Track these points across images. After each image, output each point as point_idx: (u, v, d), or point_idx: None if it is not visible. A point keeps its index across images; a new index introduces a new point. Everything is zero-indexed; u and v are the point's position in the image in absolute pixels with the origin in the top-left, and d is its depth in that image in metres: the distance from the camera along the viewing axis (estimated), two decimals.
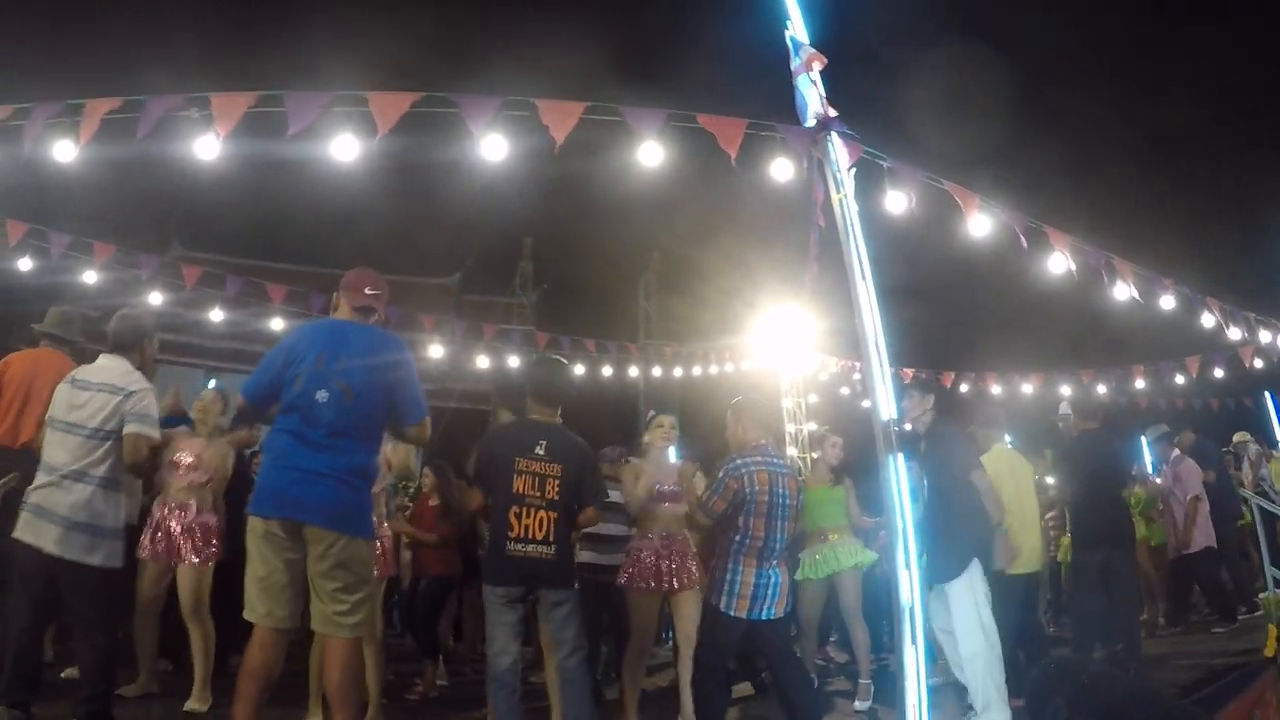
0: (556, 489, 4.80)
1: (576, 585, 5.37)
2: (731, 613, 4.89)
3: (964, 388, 12.57)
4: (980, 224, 5.60)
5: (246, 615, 3.97)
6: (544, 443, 4.86)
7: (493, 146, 4.88)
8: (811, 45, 5.31)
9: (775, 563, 5.01)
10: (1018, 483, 6.70)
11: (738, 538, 4.96)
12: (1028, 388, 12.45)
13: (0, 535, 4.74)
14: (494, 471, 4.85)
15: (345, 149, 4.88)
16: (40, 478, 4.72)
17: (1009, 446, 6.94)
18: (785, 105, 5.50)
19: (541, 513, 4.74)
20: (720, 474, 5.07)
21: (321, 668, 4.26)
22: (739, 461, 5.03)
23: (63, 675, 6.08)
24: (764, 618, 4.95)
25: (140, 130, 4.70)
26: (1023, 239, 5.79)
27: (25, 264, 8.51)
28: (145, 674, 5.96)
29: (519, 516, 4.71)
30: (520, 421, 5.15)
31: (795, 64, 5.40)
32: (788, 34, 5.49)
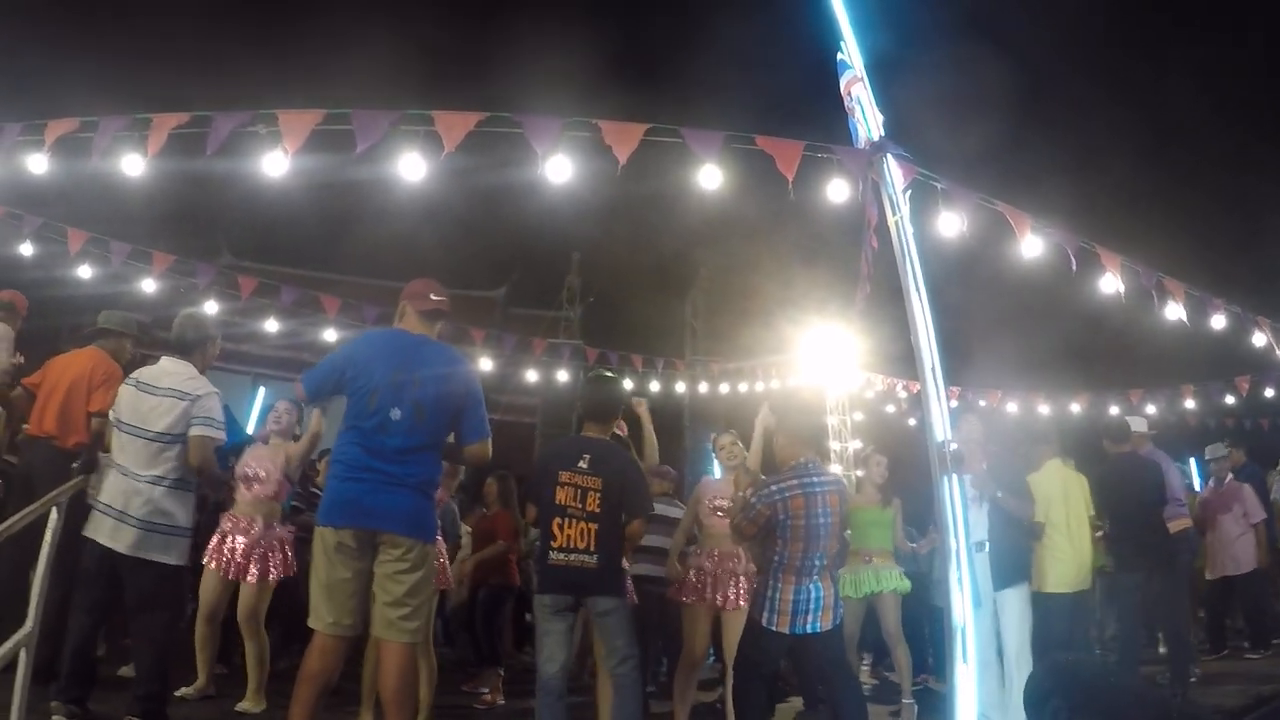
0: (598, 501, 4.87)
1: (628, 595, 5.44)
2: (773, 628, 4.90)
3: (1011, 406, 12.44)
4: (1032, 245, 5.58)
5: (311, 623, 4.02)
6: (588, 456, 4.95)
7: (557, 167, 4.93)
8: (865, 63, 5.34)
9: (816, 578, 4.98)
10: (1069, 500, 6.65)
11: (776, 557, 4.98)
12: (1075, 406, 12.30)
13: (69, 534, 4.85)
14: (540, 483, 4.98)
15: (411, 168, 4.95)
16: (111, 478, 4.87)
17: (1062, 463, 6.88)
18: (837, 128, 5.54)
19: (583, 524, 4.81)
20: (753, 499, 5.07)
21: (377, 673, 4.33)
22: (773, 488, 5.02)
23: (119, 673, 6.22)
24: (809, 631, 4.93)
25: (209, 146, 4.79)
26: (1074, 260, 5.77)
27: (84, 272, 8.65)
28: (204, 677, 6.06)
29: (560, 527, 4.81)
30: (571, 437, 5.25)
31: (843, 87, 5.45)
32: (839, 57, 5.53)
